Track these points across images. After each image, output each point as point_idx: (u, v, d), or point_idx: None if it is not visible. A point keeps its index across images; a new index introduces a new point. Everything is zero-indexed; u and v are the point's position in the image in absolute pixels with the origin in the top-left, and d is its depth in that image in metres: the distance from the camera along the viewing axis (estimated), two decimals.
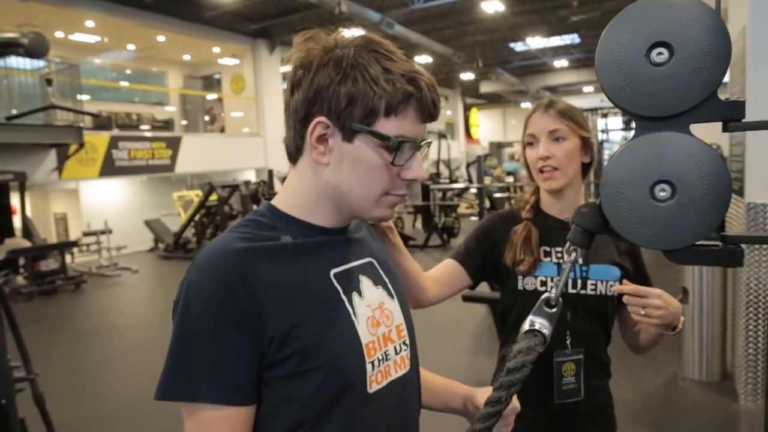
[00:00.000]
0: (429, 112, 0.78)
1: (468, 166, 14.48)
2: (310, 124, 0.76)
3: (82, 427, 3.44)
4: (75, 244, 9.25)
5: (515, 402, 0.85)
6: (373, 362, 0.80)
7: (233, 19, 11.74)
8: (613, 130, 11.48)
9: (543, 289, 1.31)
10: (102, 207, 10.91)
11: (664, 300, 1.12)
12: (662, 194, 0.61)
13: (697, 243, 0.61)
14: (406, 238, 9.68)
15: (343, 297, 0.81)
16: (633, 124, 0.64)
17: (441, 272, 1.40)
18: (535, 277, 1.32)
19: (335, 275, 0.82)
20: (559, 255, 1.32)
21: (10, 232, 8.62)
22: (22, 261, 7.97)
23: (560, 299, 0.76)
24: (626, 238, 0.63)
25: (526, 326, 0.77)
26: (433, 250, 9.65)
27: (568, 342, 1.29)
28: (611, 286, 1.30)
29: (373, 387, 0.80)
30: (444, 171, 14.19)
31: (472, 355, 4.50)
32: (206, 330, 0.72)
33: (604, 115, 11.88)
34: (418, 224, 11.75)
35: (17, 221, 8.73)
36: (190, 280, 0.74)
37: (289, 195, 0.84)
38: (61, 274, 7.99)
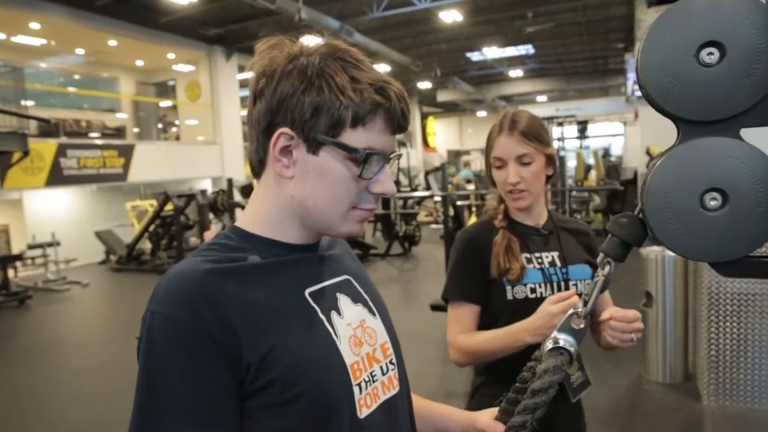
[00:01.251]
0: (398, 123, 0.73)
1: (426, 174, 14.57)
2: (272, 136, 0.72)
3: None
4: (19, 257, 8.75)
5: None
6: (359, 384, 0.74)
7: (189, 24, 11.46)
8: (569, 138, 11.79)
9: (533, 296, 1.32)
10: (49, 218, 10.39)
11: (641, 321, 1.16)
12: (713, 203, 0.57)
13: (750, 255, 0.58)
14: (367, 247, 9.63)
15: (322, 316, 0.75)
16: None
17: (469, 327, 1.38)
18: (524, 284, 1.33)
19: (310, 294, 0.76)
20: (540, 260, 1.35)
21: None
22: None
23: (588, 317, 0.72)
24: (672, 250, 0.60)
25: (549, 344, 0.72)
26: (395, 258, 9.63)
27: None
28: (587, 284, 1.30)
29: (363, 411, 0.74)
30: (403, 179, 14.23)
31: (441, 365, 4.47)
32: (176, 363, 0.64)
33: (560, 124, 12.20)
34: (379, 233, 11.72)
35: None
36: (153, 311, 0.66)
37: (253, 213, 0.79)
38: (3, 290, 7.54)
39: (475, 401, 1.41)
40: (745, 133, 0.58)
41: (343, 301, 0.80)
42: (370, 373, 0.78)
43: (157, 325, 0.65)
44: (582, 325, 0.73)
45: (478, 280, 1.36)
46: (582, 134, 12.22)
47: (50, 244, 9.18)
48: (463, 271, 1.39)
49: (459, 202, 7.82)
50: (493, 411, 0.91)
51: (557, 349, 0.71)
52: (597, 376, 4.07)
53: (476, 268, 1.36)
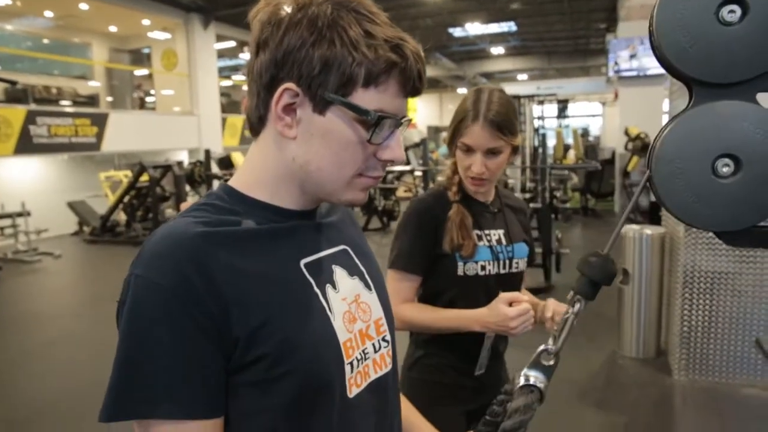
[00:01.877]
0: (413, 86, 0.68)
1: (406, 149, 14.50)
2: (276, 91, 0.65)
3: (9, 427, 3.15)
4: None
5: None
6: (351, 363, 0.71)
7: None
8: (548, 117, 11.81)
9: (483, 273, 1.36)
10: (18, 187, 10.07)
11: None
12: (725, 170, 0.55)
13: (758, 225, 0.56)
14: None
15: (317, 290, 0.70)
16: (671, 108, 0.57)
17: (410, 299, 1.41)
18: (476, 262, 1.35)
19: (306, 265, 0.71)
20: (489, 238, 1.38)
21: None
22: None
23: (559, 354, 0.72)
24: (680, 218, 0.58)
25: (521, 380, 0.72)
26: (374, 233, 9.62)
27: None
28: (521, 263, 1.45)
29: (353, 391, 0.71)
30: None
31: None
32: (160, 332, 0.60)
33: (540, 102, 12.21)
34: (357, 208, 11.68)
35: None
36: (137, 275, 0.61)
37: (249, 173, 0.73)
38: None
39: (415, 371, 1.45)
40: (761, 97, 0.55)
41: (339, 273, 0.76)
42: (363, 351, 0.74)
43: (142, 291, 0.61)
44: (552, 362, 0.73)
45: (426, 253, 1.37)
46: (562, 113, 12.25)
47: (20, 214, 8.93)
48: (415, 241, 1.38)
49: (440, 178, 7.81)
50: None
51: (527, 387, 0.71)
52: (573, 351, 4.14)
53: (428, 240, 1.36)
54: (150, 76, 14.47)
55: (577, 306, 0.72)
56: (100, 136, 10.44)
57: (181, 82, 12.88)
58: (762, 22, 0.52)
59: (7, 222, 9.12)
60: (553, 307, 1.26)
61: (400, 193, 12.80)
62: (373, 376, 0.76)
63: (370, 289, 0.81)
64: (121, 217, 10.29)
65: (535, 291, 5.50)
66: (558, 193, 9.96)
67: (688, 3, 0.54)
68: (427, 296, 1.41)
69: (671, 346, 3.68)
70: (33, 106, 9.87)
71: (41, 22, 12.60)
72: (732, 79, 0.54)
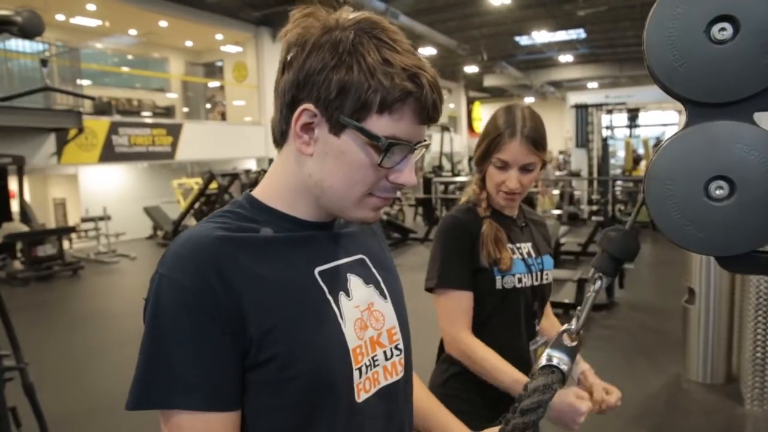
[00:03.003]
0: (428, 115, 0.69)
1: (470, 159, 14.38)
2: (296, 111, 0.69)
3: (74, 418, 3.38)
4: (73, 229, 9.18)
5: None
6: (360, 369, 0.73)
7: (236, 5, 11.59)
8: (618, 127, 11.37)
9: (520, 285, 1.37)
10: (101, 193, 10.84)
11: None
12: (718, 192, 0.53)
13: (758, 250, 0.53)
14: (406, 231, 9.62)
15: (329, 297, 0.73)
16: (679, 116, 0.56)
17: (467, 319, 1.36)
18: (513, 275, 1.36)
19: (320, 273, 0.74)
20: (520, 251, 1.39)
21: (7, 216, 8.53)
22: (19, 246, 7.89)
23: (581, 332, 0.69)
24: (673, 241, 0.56)
25: (543, 361, 0.69)
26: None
27: (537, 329, 1.43)
28: (549, 274, 1.47)
29: (361, 396, 0.73)
30: (446, 164, 14.09)
31: None
32: (182, 327, 0.64)
33: (609, 111, 11.78)
34: (420, 218, 11.68)
35: (15, 206, 8.65)
36: (162, 274, 0.66)
37: (270, 185, 0.77)
38: (59, 260, 7.94)
39: (449, 387, 1.40)
40: (759, 117, 0.53)
41: (354, 282, 0.78)
42: (372, 358, 0.76)
43: (165, 289, 0.65)
44: (575, 342, 0.70)
45: (469, 269, 1.36)
46: (632, 122, 11.75)
47: (102, 218, 9.59)
48: (458, 255, 1.36)
49: (462, 197, 7.70)
50: (493, 430, 0.89)
51: (549, 367, 0.68)
52: (629, 371, 3.97)
53: (467, 255, 1.36)
54: (222, 88, 15.15)
55: (598, 283, 0.69)
56: (174, 145, 11.05)
57: (251, 94, 13.42)
58: (754, 39, 0.50)
59: (90, 225, 9.82)
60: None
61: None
62: (383, 383, 0.78)
63: (385, 298, 0.83)
64: (191, 222, 10.81)
65: (598, 307, 5.30)
66: (624, 207, 9.54)
67: (677, 22, 0.52)
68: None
69: (743, 372, 3.44)
70: (116, 117, 10.60)
71: (125, 39, 13.53)
72: (726, 99, 0.52)
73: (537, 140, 1.31)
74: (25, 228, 8.10)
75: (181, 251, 0.67)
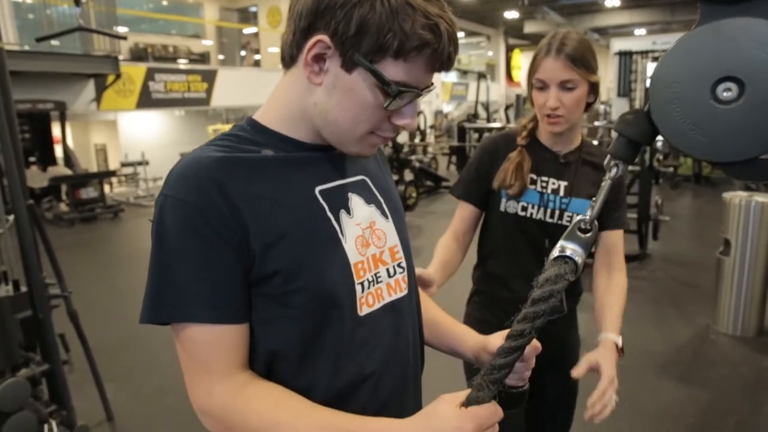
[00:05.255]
0: (442, 65, 0.69)
1: (507, 109, 14.04)
2: (310, 39, 0.68)
3: (115, 345, 3.59)
4: (113, 173, 9.47)
5: (536, 342, 0.77)
6: (362, 283, 0.75)
7: None
8: None
9: (522, 214, 1.37)
10: (140, 139, 11.09)
11: (613, 380, 1.13)
12: (726, 94, 0.50)
13: (765, 156, 0.51)
14: (439, 179, 9.58)
15: (329, 214, 0.75)
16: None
17: (458, 227, 1.46)
18: (518, 201, 1.37)
19: (321, 192, 0.75)
20: (544, 185, 1.37)
21: (52, 160, 8.86)
22: (64, 189, 8.22)
23: (596, 222, 0.67)
24: (676, 146, 0.54)
25: (555, 252, 0.67)
26: None
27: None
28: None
29: (363, 309, 0.76)
30: (482, 113, 13.79)
31: None
32: (188, 243, 0.66)
33: (655, 60, 11.20)
34: (453, 167, 11.57)
35: (59, 151, 8.95)
36: (166, 195, 0.68)
37: (273, 108, 0.78)
38: (101, 203, 8.24)
39: (469, 307, 1.52)
40: None
41: (355, 201, 0.79)
42: (375, 274, 0.78)
43: (170, 209, 0.67)
44: (589, 234, 0.68)
45: (481, 185, 1.42)
46: None
47: (140, 163, 9.84)
48: (472, 173, 1.45)
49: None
50: (505, 333, 0.89)
51: (562, 258, 0.66)
52: (656, 321, 3.93)
53: (484, 173, 1.41)
54: (256, 34, 15.02)
55: (614, 170, 0.66)
56: (209, 91, 11.11)
57: None
58: None
59: (129, 170, 10.10)
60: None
61: None
62: (388, 299, 0.80)
63: (386, 218, 0.84)
64: None
65: (629, 258, 5.20)
66: (667, 160, 9.21)
67: None
68: (483, 234, 1.48)
69: None
70: (152, 64, 10.68)
71: None
72: None
73: (576, 57, 1.26)
74: (68, 172, 8.41)
75: (183, 172, 0.69)
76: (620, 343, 1.21)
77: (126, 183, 10.50)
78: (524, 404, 0.85)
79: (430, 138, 13.82)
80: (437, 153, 12.65)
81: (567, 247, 0.67)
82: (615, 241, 1.39)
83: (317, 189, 0.75)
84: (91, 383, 2.75)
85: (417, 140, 11.21)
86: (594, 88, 1.31)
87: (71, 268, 2.58)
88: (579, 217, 0.68)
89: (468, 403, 0.63)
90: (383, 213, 0.83)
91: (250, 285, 0.70)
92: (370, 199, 0.82)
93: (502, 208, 1.38)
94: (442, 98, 18.07)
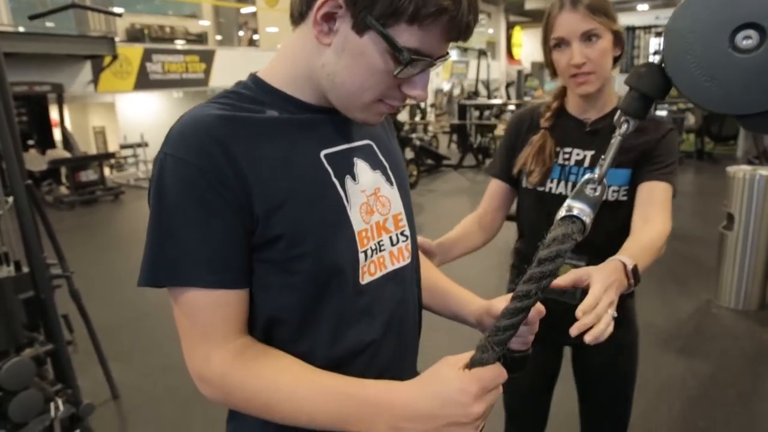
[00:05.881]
0: (459, 34, 0.65)
1: (507, 86, 13.91)
2: None
3: (116, 325, 3.61)
4: (112, 155, 9.43)
5: (540, 306, 0.76)
6: (365, 252, 0.73)
7: None
8: None
9: (541, 189, 1.31)
10: (138, 121, 11.00)
11: (608, 290, 0.86)
12: (746, 42, 0.48)
13: None
14: (440, 158, 9.53)
15: (335, 180, 0.72)
16: None
17: (486, 205, 1.42)
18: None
19: (326, 156, 0.73)
20: (567, 156, 1.29)
21: (51, 143, 8.82)
22: (64, 172, 8.19)
23: (604, 181, 0.65)
24: (690, 99, 0.52)
25: (563, 212, 0.64)
26: (468, 170, 9.49)
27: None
28: (615, 192, 1.25)
29: (365, 278, 0.74)
30: (482, 91, 13.67)
31: (506, 271, 4.47)
32: (188, 205, 0.63)
33: (659, 35, 11.06)
34: (454, 145, 11.52)
35: (58, 134, 8.90)
36: (166, 153, 0.65)
37: (279, 67, 0.74)
38: (101, 185, 8.21)
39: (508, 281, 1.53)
40: None
41: (361, 166, 0.77)
42: (378, 242, 0.76)
43: (170, 168, 0.64)
44: (597, 192, 0.65)
45: (507, 161, 1.38)
46: None
47: (139, 145, 9.79)
48: (503, 148, 1.41)
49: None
50: (509, 297, 0.88)
51: (569, 218, 0.63)
52: (658, 296, 3.92)
53: (509, 149, 1.38)
54: (254, 14, 14.83)
55: (624, 127, 0.63)
56: (207, 72, 11.00)
57: (283, 19, 13.07)
58: None
59: (128, 152, 10.05)
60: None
61: (499, 131, 12.45)
62: (390, 268, 0.78)
63: (391, 184, 0.81)
64: None
65: None
66: None
67: None
68: (516, 206, 1.45)
69: None
70: (149, 44, 10.56)
71: None
72: None
73: (594, 5, 1.15)
74: (67, 155, 8.37)
75: (184, 130, 0.66)
76: (630, 265, 0.95)
77: (126, 165, 10.46)
78: (526, 368, 0.84)
79: (431, 116, 13.73)
80: (438, 131, 12.57)
81: (574, 206, 0.64)
82: (653, 191, 1.22)
83: (322, 153, 0.73)
84: (95, 363, 2.76)
85: (417, 118, 11.13)
86: (618, 39, 1.20)
87: (72, 250, 2.57)
88: (587, 176, 0.66)
89: (472, 364, 0.61)
90: (388, 179, 0.81)
91: (252, 250, 0.68)
92: (375, 164, 0.80)
93: (524, 184, 1.35)
94: (442, 76, 17.90)
